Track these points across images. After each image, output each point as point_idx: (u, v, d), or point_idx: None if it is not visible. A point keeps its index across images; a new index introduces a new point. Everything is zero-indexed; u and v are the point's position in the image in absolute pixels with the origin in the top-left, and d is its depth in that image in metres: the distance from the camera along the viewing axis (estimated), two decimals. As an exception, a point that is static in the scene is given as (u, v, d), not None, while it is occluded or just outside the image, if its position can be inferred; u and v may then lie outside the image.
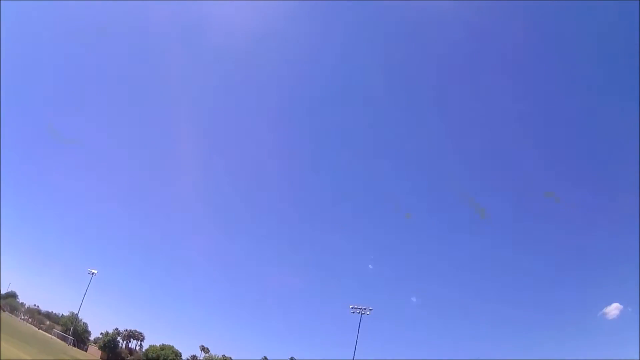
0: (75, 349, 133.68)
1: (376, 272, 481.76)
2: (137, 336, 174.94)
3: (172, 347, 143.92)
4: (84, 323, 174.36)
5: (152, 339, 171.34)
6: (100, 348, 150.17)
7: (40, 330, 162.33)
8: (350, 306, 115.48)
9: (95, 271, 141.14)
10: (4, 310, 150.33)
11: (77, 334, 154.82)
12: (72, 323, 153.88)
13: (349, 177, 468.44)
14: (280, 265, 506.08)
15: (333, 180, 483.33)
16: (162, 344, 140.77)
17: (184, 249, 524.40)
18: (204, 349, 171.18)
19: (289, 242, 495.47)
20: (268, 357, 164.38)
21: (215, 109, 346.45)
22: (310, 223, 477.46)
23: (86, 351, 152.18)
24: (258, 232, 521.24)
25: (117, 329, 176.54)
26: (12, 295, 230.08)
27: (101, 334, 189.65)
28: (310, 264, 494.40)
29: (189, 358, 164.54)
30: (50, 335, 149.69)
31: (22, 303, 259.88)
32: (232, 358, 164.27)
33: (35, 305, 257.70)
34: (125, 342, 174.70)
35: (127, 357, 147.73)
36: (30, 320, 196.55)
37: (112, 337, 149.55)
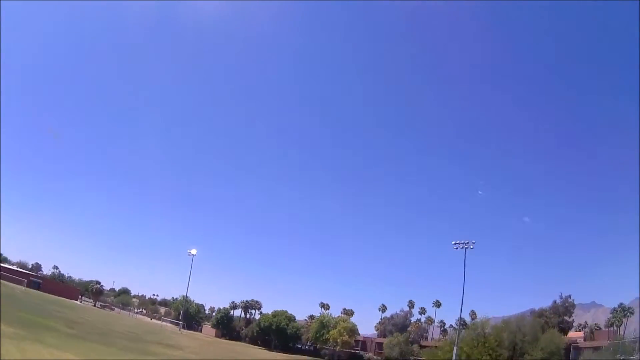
0: (187, 332, 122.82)
1: (486, 197, 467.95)
2: (254, 305, 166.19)
3: (285, 312, 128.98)
4: (196, 304, 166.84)
5: (269, 307, 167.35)
6: (214, 326, 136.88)
7: (153, 320, 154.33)
8: (453, 242, 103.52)
9: (195, 251, 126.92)
10: (110, 310, 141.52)
11: (189, 317, 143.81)
12: (182, 306, 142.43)
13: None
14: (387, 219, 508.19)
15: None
16: (275, 311, 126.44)
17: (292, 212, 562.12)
18: (323, 305, 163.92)
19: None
20: (386, 305, 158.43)
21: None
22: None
23: (201, 331, 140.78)
24: (366, 174, 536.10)
25: (233, 302, 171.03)
26: (125, 292, 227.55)
27: (212, 310, 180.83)
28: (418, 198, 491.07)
29: (306, 319, 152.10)
30: (162, 323, 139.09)
31: (142, 295, 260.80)
32: (353, 310, 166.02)
33: (154, 295, 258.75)
34: (243, 313, 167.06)
35: (242, 329, 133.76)
36: (144, 311, 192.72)
37: (224, 314, 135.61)
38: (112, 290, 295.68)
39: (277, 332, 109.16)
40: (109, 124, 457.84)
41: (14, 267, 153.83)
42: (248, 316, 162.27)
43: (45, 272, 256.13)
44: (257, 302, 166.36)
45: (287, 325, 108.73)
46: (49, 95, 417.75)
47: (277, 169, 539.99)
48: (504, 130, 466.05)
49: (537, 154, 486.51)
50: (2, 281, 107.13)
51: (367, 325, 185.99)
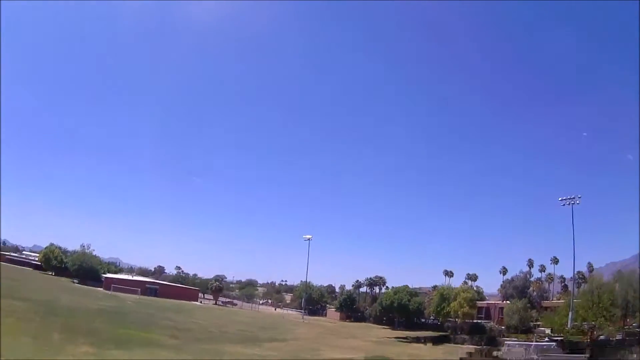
0: (310, 318, 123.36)
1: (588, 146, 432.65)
2: (379, 282, 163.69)
3: (406, 287, 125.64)
4: (318, 288, 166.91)
5: (395, 280, 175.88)
6: (338, 309, 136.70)
7: (277, 310, 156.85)
8: (560, 198, 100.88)
9: (310, 237, 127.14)
10: (231, 306, 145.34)
11: (312, 302, 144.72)
12: (304, 293, 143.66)
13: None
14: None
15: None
16: (395, 287, 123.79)
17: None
18: (447, 273, 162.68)
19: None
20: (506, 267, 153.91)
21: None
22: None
23: (325, 315, 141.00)
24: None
25: (357, 280, 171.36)
26: (250, 283, 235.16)
27: (342, 289, 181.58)
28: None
29: (429, 289, 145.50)
30: (286, 312, 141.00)
31: (271, 282, 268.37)
32: (476, 274, 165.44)
33: (283, 281, 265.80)
34: (369, 290, 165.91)
35: (366, 309, 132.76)
36: (269, 301, 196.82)
37: (347, 296, 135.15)
38: (239, 282, 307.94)
39: (399, 310, 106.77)
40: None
41: (129, 277, 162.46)
42: (374, 293, 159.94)
43: (169, 273, 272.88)
44: (381, 277, 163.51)
45: (409, 301, 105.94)
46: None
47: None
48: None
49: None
50: (115, 293, 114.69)
51: (492, 289, 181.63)
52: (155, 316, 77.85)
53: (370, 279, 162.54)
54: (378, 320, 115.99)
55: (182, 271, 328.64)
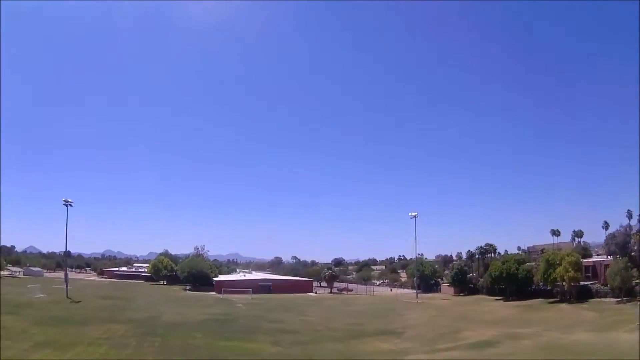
0: (424, 296, 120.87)
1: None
2: (489, 250, 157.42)
3: (514, 255, 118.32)
4: (430, 264, 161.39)
5: (507, 245, 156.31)
6: (451, 284, 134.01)
7: (393, 291, 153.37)
8: None
9: (415, 214, 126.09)
10: (346, 293, 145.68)
11: (425, 279, 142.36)
12: (417, 271, 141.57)
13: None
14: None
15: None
16: (504, 256, 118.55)
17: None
18: (554, 232, 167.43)
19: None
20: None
21: None
22: None
23: (440, 291, 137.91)
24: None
25: (469, 250, 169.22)
26: (365, 265, 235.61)
27: (459, 257, 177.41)
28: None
29: (541, 251, 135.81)
30: (401, 293, 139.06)
31: (390, 258, 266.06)
32: (582, 231, 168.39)
33: (401, 257, 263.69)
34: (481, 258, 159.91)
35: (478, 281, 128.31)
36: (386, 282, 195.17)
37: (457, 269, 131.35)
38: (357, 262, 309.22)
39: (508, 280, 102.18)
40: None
41: (242, 276, 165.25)
42: (486, 261, 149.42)
43: (287, 262, 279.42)
44: (491, 245, 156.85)
45: (517, 269, 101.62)
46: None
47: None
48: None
49: None
50: (226, 296, 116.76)
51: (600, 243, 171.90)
52: (262, 319, 77.25)
53: (481, 247, 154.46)
54: (490, 292, 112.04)
55: (299, 259, 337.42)
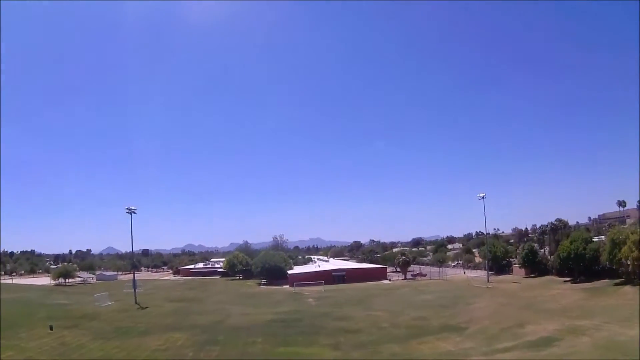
0: (496, 279, 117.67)
1: None
2: (560, 226, 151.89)
3: (581, 234, 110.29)
4: (501, 245, 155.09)
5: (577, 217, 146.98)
6: (521, 266, 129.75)
7: (466, 273, 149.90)
8: None
9: (484, 194, 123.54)
10: (419, 278, 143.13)
11: (497, 260, 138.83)
12: (488, 253, 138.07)
13: None
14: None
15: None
16: (572, 235, 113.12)
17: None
18: (620, 203, 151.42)
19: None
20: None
21: None
22: None
23: (511, 272, 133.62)
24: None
25: (541, 226, 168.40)
26: (441, 245, 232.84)
27: (526, 236, 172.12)
28: None
29: (612, 223, 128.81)
30: (473, 277, 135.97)
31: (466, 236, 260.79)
32: None
33: (480, 233, 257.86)
34: (551, 233, 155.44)
35: (549, 260, 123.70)
36: (460, 262, 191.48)
37: (527, 250, 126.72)
38: (435, 241, 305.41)
39: (576, 260, 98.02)
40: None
41: (315, 267, 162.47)
42: (557, 238, 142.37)
43: (366, 244, 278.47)
44: (561, 220, 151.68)
45: (585, 249, 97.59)
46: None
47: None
48: None
49: None
50: (299, 289, 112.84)
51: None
52: (328, 316, 75.65)
53: (552, 223, 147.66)
54: (560, 272, 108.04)
55: (378, 242, 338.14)
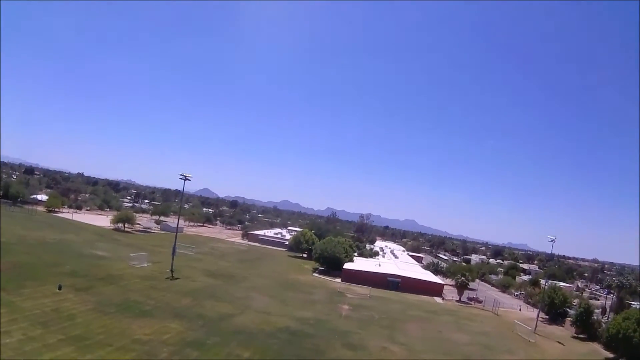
0: (545, 330, 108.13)
1: None
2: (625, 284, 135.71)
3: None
4: (562, 292, 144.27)
5: None
6: (572, 323, 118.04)
7: (521, 309, 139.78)
8: None
9: (554, 237, 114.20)
10: (473, 304, 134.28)
11: (555, 306, 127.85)
12: (544, 296, 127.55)
13: None
14: None
15: None
16: (628, 311, 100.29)
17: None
18: None
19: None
20: None
21: None
22: None
23: (563, 324, 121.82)
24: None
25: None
26: (513, 268, 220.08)
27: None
28: None
29: None
30: (525, 313, 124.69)
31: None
32: None
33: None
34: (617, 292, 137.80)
35: (601, 325, 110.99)
36: (523, 294, 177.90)
37: (583, 308, 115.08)
38: (518, 250, 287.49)
39: (624, 342, 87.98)
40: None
41: (375, 265, 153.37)
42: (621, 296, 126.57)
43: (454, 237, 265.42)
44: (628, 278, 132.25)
45: (634, 332, 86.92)
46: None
47: None
48: None
49: None
50: (349, 287, 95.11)
51: None
52: (344, 337, 69.38)
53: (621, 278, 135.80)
54: (607, 346, 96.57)
55: (465, 240, 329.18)
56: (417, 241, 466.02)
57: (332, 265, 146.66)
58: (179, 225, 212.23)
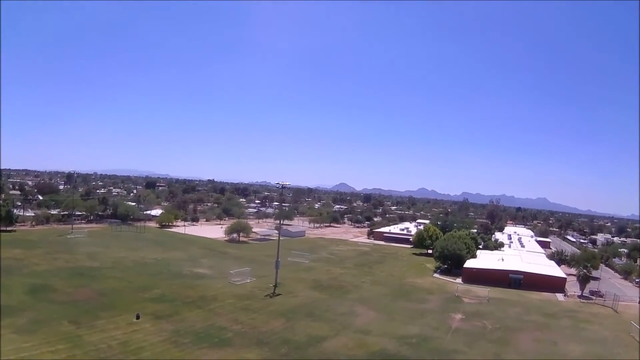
0: None
1: None
2: None
3: None
4: None
5: None
6: None
7: None
8: None
9: None
10: (594, 298, 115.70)
11: None
12: None
13: None
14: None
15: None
16: None
17: None
18: None
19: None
20: None
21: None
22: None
23: None
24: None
25: None
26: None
27: None
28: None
29: None
30: None
31: None
32: None
33: None
34: None
35: None
36: None
37: None
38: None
39: None
40: None
41: (499, 262, 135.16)
42: None
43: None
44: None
45: None
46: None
47: None
48: None
49: None
50: (469, 288, 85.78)
51: None
52: (450, 356, 60.05)
53: None
54: None
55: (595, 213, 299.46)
56: (546, 223, 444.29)
57: (453, 263, 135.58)
58: (300, 229, 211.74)
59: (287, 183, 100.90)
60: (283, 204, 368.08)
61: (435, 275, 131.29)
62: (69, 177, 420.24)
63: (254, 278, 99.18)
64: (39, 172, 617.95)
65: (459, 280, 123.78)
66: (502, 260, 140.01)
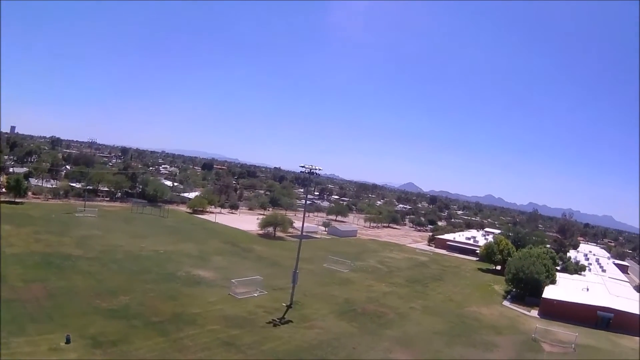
0: None
1: None
2: None
3: None
4: None
5: None
6: None
7: None
8: None
9: None
10: None
11: None
12: None
13: None
14: None
15: None
16: None
17: None
18: None
19: None
20: None
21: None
22: None
23: None
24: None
25: None
26: None
27: None
28: None
29: None
30: None
31: None
32: None
33: None
34: None
35: None
36: None
37: None
38: None
39: None
40: None
41: (582, 295, 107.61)
42: None
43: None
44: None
45: None
46: None
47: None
48: None
49: None
50: (546, 328, 70.81)
51: None
52: None
53: None
54: None
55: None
56: (619, 244, 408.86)
57: (528, 289, 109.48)
58: (352, 229, 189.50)
59: (319, 168, 77.30)
60: (342, 199, 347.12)
61: (505, 303, 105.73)
62: (124, 152, 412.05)
63: (264, 291, 77.35)
64: (104, 145, 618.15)
65: (534, 312, 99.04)
66: (587, 290, 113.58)
